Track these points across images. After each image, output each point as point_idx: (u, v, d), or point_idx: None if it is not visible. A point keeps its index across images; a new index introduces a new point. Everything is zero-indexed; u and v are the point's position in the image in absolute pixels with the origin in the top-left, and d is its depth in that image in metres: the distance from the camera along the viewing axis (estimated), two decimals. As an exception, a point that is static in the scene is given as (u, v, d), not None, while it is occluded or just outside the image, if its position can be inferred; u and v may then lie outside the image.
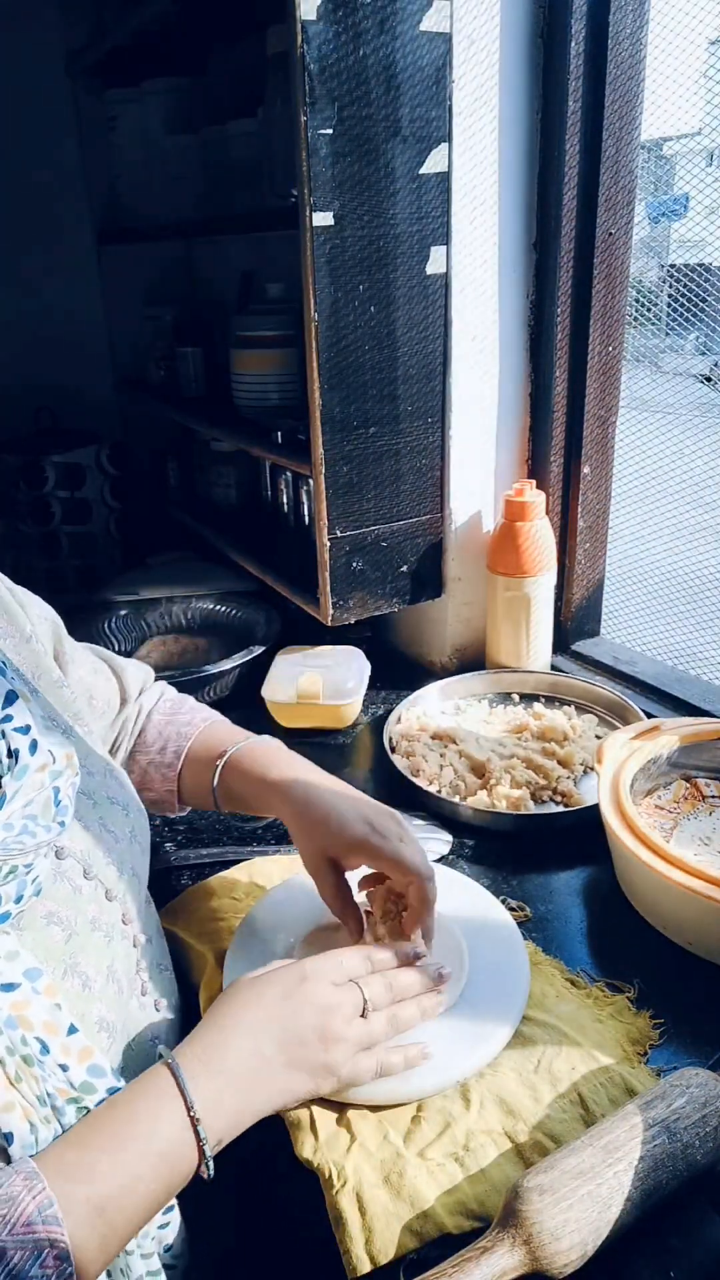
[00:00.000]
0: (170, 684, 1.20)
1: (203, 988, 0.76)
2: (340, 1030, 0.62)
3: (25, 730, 0.58)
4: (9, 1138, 0.51)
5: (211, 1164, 0.55)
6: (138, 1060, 0.62)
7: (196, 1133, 0.55)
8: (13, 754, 0.57)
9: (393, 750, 1.10)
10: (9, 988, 0.54)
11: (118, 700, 0.87)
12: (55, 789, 0.59)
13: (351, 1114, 0.64)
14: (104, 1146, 0.52)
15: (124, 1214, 0.51)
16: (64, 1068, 0.54)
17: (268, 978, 0.64)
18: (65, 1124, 0.54)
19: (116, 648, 1.43)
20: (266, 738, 0.84)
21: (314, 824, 0.74)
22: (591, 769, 1.05)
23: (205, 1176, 0.56)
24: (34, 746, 0.58)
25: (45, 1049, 0.54)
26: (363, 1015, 0.64)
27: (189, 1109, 0.55)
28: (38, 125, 1.67)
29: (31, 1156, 0.51)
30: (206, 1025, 0.61)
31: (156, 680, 0.95)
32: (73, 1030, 0.56)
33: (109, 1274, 0.55)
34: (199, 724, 0.88)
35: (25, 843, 0.55)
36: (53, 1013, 0.55)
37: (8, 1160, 0.51)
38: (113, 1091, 0.56)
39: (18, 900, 0.56)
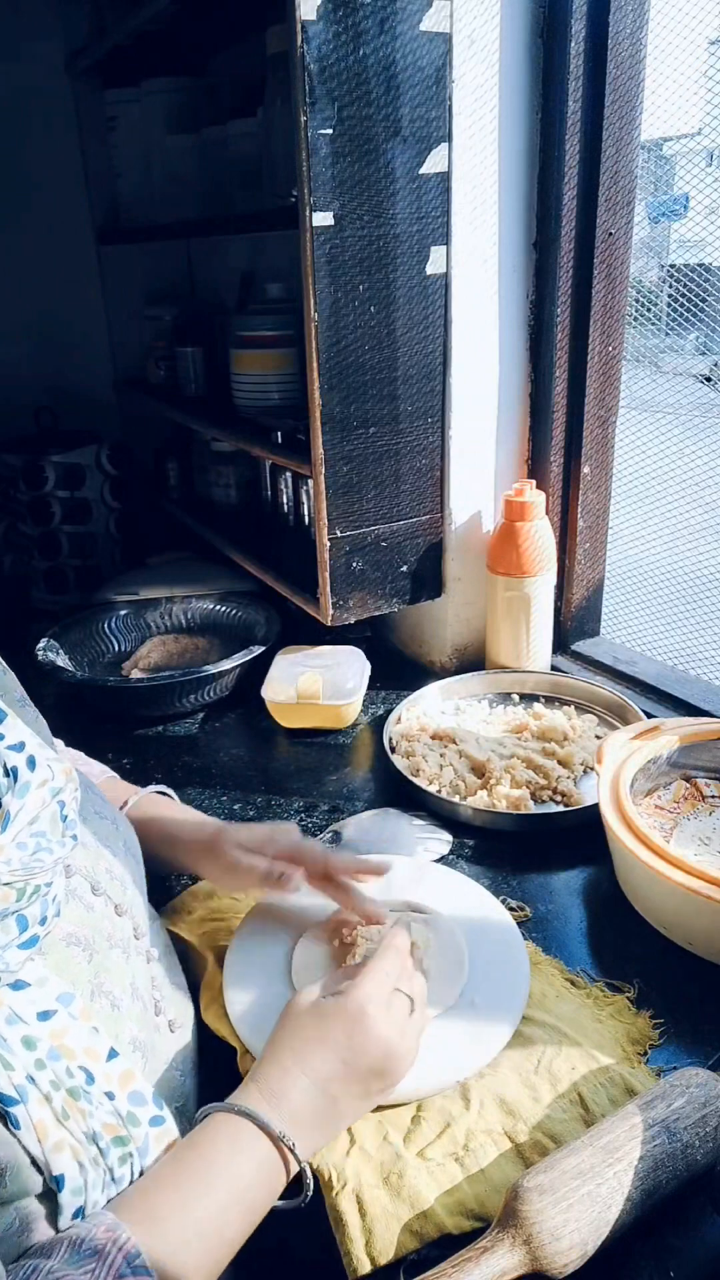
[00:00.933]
0: (170, 684, 1.21)
1: (203, 988, 0.76)
2: (404, 1048, 0.63)
3: (20, 748, 0.57)
4: (59, 1181, 0.50)
5: (309, 1175, 0.57)
6: (164, 1083, 0.62)
7: (284, 1149, 0.57)
8: (9, 772, 0.56)
9: (393, 750, 1.10)
10: (46, 1015, 0.53)
11: None
12: (61, 803, 0.58)
13: (351, 1114, 0.64)
14: (186, 1185, 0.53)
15: (220, 1246, 0.53)
16: (110, 1095, 0.54)
17: (323, 1012, 0.63)
18: (109, 1164, 0.53)
19: (117, 647, 1.43)
20: (153, 789, 0.90)
21: (218, 838, 0.78)
22: (591, 769, 1.05)
23: (303, 1201, 0.58)
24: (32, 762, 0.57)
25: (90, 1078, 0.53)
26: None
27: (269, 1134, 0.56)
28: (38, 125, 1.67)
29: (109, 1202, 0.52)
30: (269, 1063, 0.61)
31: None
32: (113, 1054, 0.55)
33: None
34: (97, 774, 0.90)
35: (44, 860, 0.54)
36: (91, 1037, 0.54)
37: (56, 1205, 0.50)
38: (155, 1120, 0.56)
39: (42, 922, 0.55)
